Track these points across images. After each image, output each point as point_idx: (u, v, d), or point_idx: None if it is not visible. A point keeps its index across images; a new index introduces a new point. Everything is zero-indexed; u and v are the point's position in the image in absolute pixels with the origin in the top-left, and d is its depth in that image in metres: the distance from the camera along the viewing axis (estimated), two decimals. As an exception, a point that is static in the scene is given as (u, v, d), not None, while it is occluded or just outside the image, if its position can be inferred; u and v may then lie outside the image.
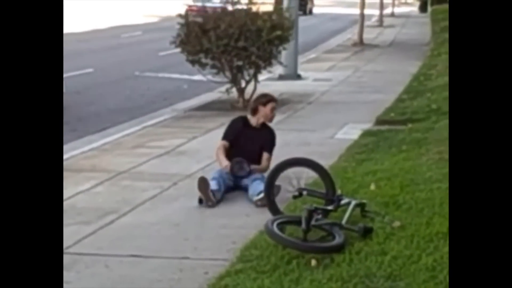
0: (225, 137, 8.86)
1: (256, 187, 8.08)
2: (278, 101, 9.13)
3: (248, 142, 8.64)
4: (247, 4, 15.32)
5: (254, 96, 12.72)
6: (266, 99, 8.99)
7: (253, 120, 8.85)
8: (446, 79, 16.22)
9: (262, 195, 7.73)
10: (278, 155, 8.54)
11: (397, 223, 6.52)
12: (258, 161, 8.68)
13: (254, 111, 8.88)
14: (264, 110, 8.82)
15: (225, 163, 8.52)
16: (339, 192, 7.34)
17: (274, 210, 7.22)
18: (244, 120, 8.92)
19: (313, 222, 6.32)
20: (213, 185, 8.18)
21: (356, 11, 34.35)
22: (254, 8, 15.03)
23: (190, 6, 21.26)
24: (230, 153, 8.68)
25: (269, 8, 17.02)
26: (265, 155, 8.74)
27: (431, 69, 19.47)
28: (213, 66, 14.88)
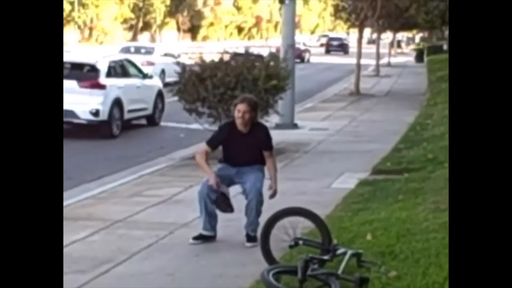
0: (209, 142, 8.59)
1: (249, 215, 8.29)
2: (245, 102, 8.47)
3: (239, 147, 8.42)
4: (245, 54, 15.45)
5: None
6: (235, 102, 8.73)
7: (238, 125, 8.47)
8: (442, 128, 16.28)
9: (253, 243, 8.11)
10: (274, 204, 8.50)
11: (393, 273, 6.49)
12: (259, 161, 8.52)
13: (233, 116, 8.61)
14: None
15: (210, 173, 8.36)
16: (335, 241, 7.32)
17: (270, 259, 7.20)
18: (231, 125, 8.59)
19: (309, 272, 6.29)
20: (206, 232, 8.38)
21: (353, 60, 34.56)
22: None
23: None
24: (226, 155, 8.56)
25: None
26: (266, 154, 8.54)
27: (427, 119, 19.54)
28: (210, 115, 14.93)
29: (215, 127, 15.05)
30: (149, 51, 33.20)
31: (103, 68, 17.93)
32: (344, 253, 6.87)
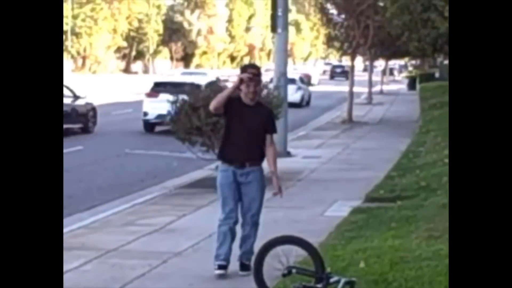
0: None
1: (247, 244, 8.24)
2: (257, 71, 8.25)
3: (246, 120, 8.11)
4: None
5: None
6: (242, 70, 8.32)
7: (245, 99, 8.20)
8: (434, 156, 16.32)
9: (246, 271, 8.08)
10: (267, 233, 8.49)
11: (386, 302, 6.49)
12: (259, 156, 8.26)
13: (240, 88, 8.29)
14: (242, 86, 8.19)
15: (233, 85, 8.05)
16: (328, 270, 7.31)
17: (263, 288, 7.20)
18: (238, 99, 8.23)
19: (302, 301, 6.29)
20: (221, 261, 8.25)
21: (345, 88, 34.69)
22: None
23: None
24: (229, 132, 8.21)
25: None
26: (268, 140, 8.23)
27: (419, 146, 19.59)
28: (203, 144, 14.94)
29: (208, 156, 15.12)
30: (204, 74, 41.30)
31: (202, 86, 22.76)
32: (338, 281, 6.86)
